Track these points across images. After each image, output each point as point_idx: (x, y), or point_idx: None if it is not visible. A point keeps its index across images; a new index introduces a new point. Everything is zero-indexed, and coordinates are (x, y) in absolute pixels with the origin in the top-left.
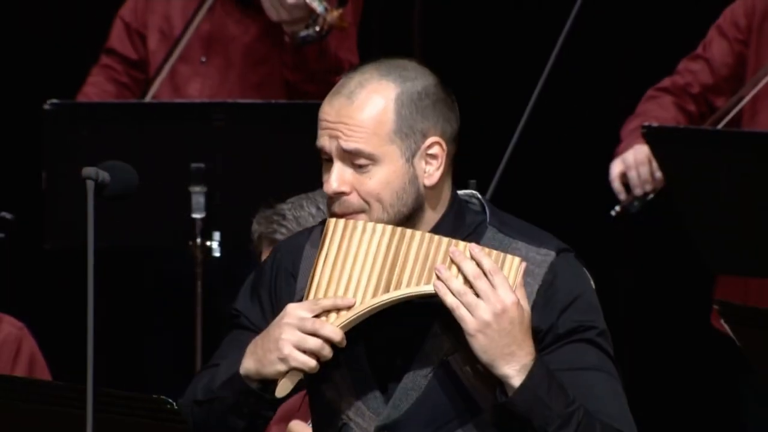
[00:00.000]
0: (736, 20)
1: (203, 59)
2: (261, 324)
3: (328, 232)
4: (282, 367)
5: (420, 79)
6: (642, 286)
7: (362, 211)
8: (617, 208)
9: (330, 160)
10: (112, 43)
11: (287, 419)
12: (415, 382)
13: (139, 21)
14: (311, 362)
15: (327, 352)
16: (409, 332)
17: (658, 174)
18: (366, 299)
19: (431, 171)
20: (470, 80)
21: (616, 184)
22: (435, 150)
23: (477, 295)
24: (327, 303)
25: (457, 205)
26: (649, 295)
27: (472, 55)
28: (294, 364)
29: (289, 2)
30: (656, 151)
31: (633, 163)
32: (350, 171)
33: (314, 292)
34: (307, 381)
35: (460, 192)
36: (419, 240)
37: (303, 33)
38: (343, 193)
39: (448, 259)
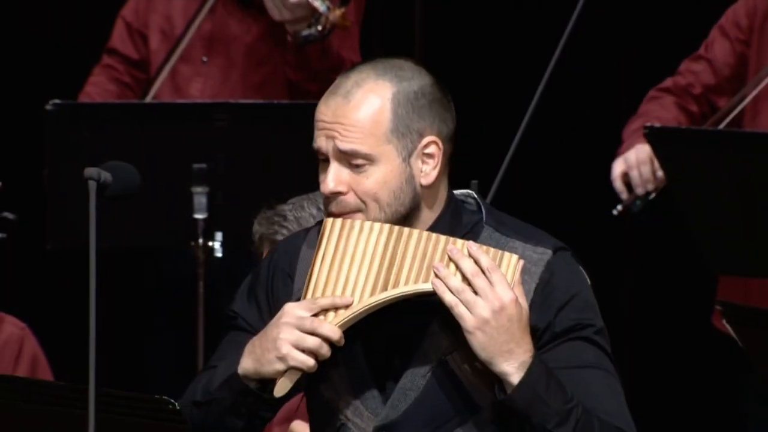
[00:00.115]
0: (737, 20)
1: (204, 59)
2: (258, 325)
3: (325, 231)
4: (280, 366)
5: (416, 79)
6: (643, 286)
7: (359, 211)
8: (619, 207)
9: (327, 161)
10: (113, 42)
11: (289, 420)
12: (414, 382)
13: (140, 21)
14: (310, 361)
15: (325, 351)
16: (408, 331)
17: (660, 173)
18: (364, 298)
19: (428, 170)
20: (471, 80)
21: (618, 184)
22: (431, 149)
23: (475, 292)
24: (325, 302)
25: (453, 205)
26: (651, 295)
27: (473, 55)
28: (292, 363)
29: (292, 1)
30: (658, 151)
31: (635, 163)
32: (347, 171)
33: (312, 292)
34: (306, 381)
35: (456, 192)
36: (417, 238)
37: (305, 32)
38: (340, 193)
39: (446, 257)
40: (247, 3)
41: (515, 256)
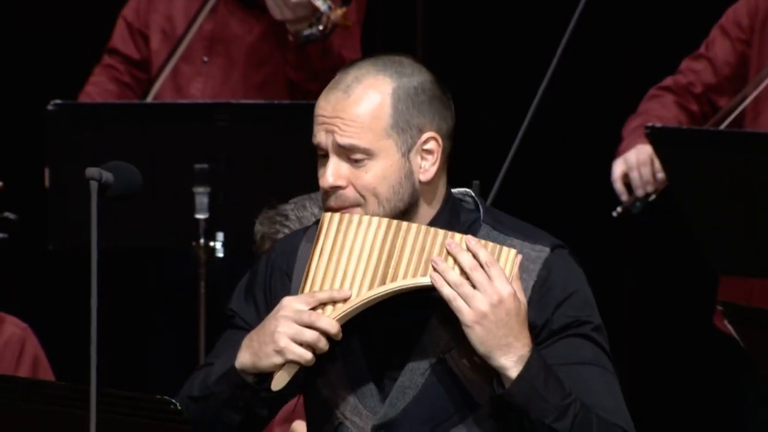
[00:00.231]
0: (738, 20)
1: (205, 59)
2: (255, 324)
3: (323, 226)
4: (278, 360)
5: (416, 75)
6: (644, 286)
7: (358, 205)
8: (619, 209)
9: (326, 155)
10: (114, 42)
11: (290, 420)
12: (412, 380)
13: (141, 21)
14: (307, 355)
15: (323, 344)
16: (406, 325)
17: (660, 175)
18: (362, 292)
19: (427, 166)
20: (473, 80)
21: (618, 185)
22: (431, 145)
23: (474, 286)
24: (323, 295)
25: (451, 202)
26: (652, 295)
27: (474, 55)
28: (290, 356)
29: (293, 1)
30: (659, 151)
31: (635, 164)
32: (346, 165)
33: (310, 286)
34: (303, 378)
35: (453, 190)
36: (415, 232)
37: (306, 32)
38: (339, 187)
39: (445, 251)
40: (249, 3)
41: (513, 251)
